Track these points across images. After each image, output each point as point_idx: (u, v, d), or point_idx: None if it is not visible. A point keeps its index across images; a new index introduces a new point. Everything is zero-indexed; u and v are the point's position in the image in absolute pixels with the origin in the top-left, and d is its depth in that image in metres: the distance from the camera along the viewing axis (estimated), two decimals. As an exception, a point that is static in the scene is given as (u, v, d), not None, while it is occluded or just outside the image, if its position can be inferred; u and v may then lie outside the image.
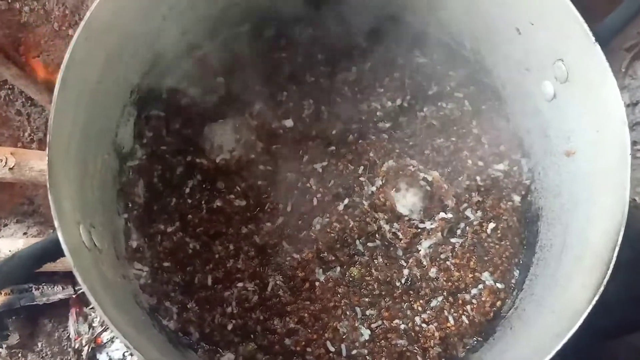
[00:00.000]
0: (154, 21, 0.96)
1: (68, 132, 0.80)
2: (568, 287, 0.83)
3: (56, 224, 0.71)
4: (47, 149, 0.73)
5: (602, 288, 0.73)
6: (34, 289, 1.27)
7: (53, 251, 0.73)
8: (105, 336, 1.27)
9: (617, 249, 0.74)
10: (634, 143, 1.54)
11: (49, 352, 1.28)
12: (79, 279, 0.69)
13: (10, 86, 1.38)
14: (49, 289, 1.28)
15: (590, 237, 0.83)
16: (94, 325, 1.29)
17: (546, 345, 0.74)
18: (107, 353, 1.27)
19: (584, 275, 0.79)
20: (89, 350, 1.26)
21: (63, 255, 0.72)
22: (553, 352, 0.71)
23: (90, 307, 1.30)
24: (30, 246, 0.74)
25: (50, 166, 0.73)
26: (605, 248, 0.76)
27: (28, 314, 1.28)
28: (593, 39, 0.82)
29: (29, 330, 1.28)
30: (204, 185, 1.08)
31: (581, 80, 0.87)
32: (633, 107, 1.53)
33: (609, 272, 0.73)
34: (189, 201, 1.06)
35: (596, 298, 0.72)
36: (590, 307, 0.72)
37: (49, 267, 1.25)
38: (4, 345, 1.27)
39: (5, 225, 1.39)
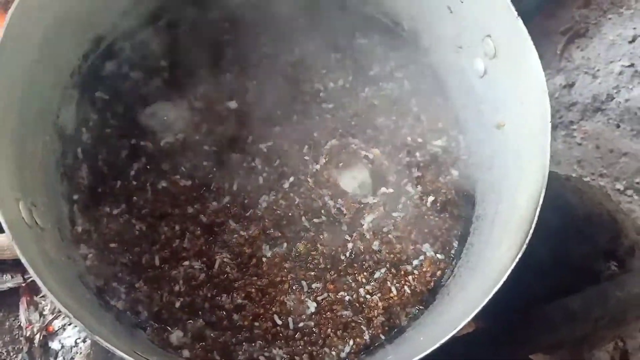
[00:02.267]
0: (92, 1, 0.96)
1: (3, 111, 0.80)
2: (497, 250, 0.88)
3: (-7, 198, 0.71)
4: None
5: (524, 246, 0.77)
6: (-19, 278, 1.26)
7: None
8: (57, 324, 1.27)
9: (538, 209, 0.79)
10: (570, 123, 1.61)
11: (0, 342, 1.26)
12: (17, 251, 0.70)
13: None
14: (-2, 277, 1.27)
15: (519, 202, 0.87)
16: (44, 313, 1.28)
17: (475, 303, 0.77)
18: (59, 340, 1.26)
19: (510, 238, 0.83)
20: (41, 338, 1.26)
21: (2, 230, 0.73)
22: (479, 307, 0.75)
23: (41, 295, 1.30)
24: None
25: (-16, 142, 0.73)
26: (528, 209, 0.81)
27: (-24, 303, 1.27)
28: (515, 13, 0.86)
29: (-22, 321, 1.27)
30: (149, 167, 1.08)
31: (507, 55, 0.92)
32: (569, 89, 1.60)
33: (531, 230, 0.78)
34: (134, 183, 1.07)
35: (519, 255, 0.77)
36: (514, 264, 0.76)
37: (-3, 255, 1.24)
38: (-48, 336, 1.25)
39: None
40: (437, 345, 0.74)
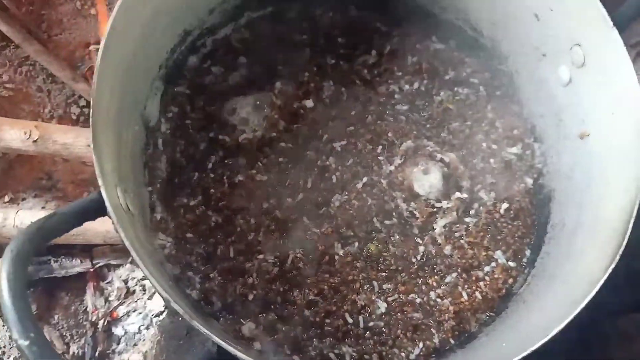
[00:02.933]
0: (186, -2, 0.99)
1: (107, 99, 0.83)
2: (581, 261, 0.87)
3: (100, 182, 0.74)
4: (91, 111, 0.76)
5: (617, 257, 0.77)
6: (52, 262, 1.29)
7: (94, 209, 0.76)
8: (122, 310, 1.30)
9: (632, 221, 0.78)
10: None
11: (65, 325, 1.30)
12: (121, 233, 0.72)
13: (32, 62, 1.40)
14: (68, 261, 1.30)
15: (604, 214, 0.86)
16: (110, 299, 1.31)
17: (562, 312, 0.77)
18: (122, 327, 1.29)
19: (598, 249, 0.82)
20: (105, 323, 1.29)
21: (102, 214, 0.75)
22: (570, 317, 0.74)
23: (107, 281, 1.33)
24: (70, 204, 0.76)
25: (94, 128, 0.75)
26: (620, 221, 0.80)
27: (46, 286, 1.30)
28: (611, 23, 0.86)
29: (46, 303, 1.30)
30: (226, 161, 1.10)
31: (598, 65, 0.91)
32: (637, 102, 1.56)
33: (625, 242, 0.77)
34: (212, 176, 1.09)
35: (612, 266, 0.76)
36: (606, 275, 0.76)
37: (69, 238, 1.28)
38: (21, 317, 1.29)
39: (24, 199, 1.41)
40: (525, 354, 0.73)
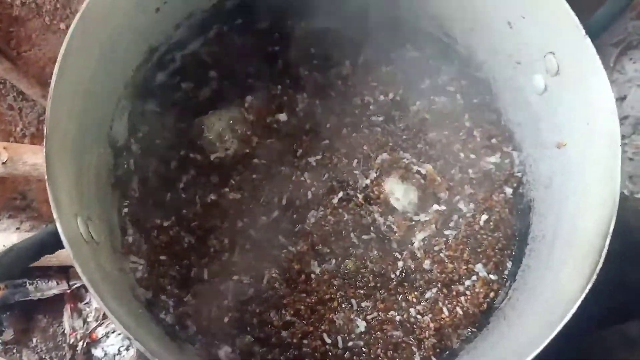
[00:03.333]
0: (148, 14, 0.96)
1: (65, 123, 0.80)
2: (560, 276, 0.84)
3: (55, 215, 0.71)
4: (44, 140, 0.73)
5: (594, 276, 0.74)
6: (28, 284, 1.27)
7: (51, 243, 0.73)
8: (100, 331, 1.27)
9: (609, 237, 0.76)
10: (621, 137, 1.56)
11: (44, 348, 1.27)
12: (78, 270, 0.69)
13: (2, 80, 1.37)
14: (44, 284, 1.27)
15: (582, 226, 0.84)
16: (88, 320, 1.28)
17: (539, 333, 0.75)
18: (102, 348, 1.27)
19: (576, 264, 0.80)
20: (84, 345, 1.26)
21: (61, 247, 0.72)
22: (547, 341, 0.72)
23: (85, 302, 1.30)
24: (27, 238, 0.74)
25: (48, 158, 0.73)
26: (597, 235, 0.77)
27: (22, 309, 1.28)
28: (584, 32, 0.83)
29: (24, 326, 1.28)
30: (198, 180, 1.08)
31: (572, 73, 0.89)
32: (621, 102, 1.55)
33: (601, 260, 0.75)
34: (184, 196, 1.07)
35: (589, 286, 0.74)
36: (583, 295, 0.73)
37: (43, 261, 1.24)
38: (-2, 341, 1.27)
39: (-2, 220, 1.38)
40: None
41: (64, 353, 1.26)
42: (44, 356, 1.27)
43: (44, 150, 0.72)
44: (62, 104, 0.79)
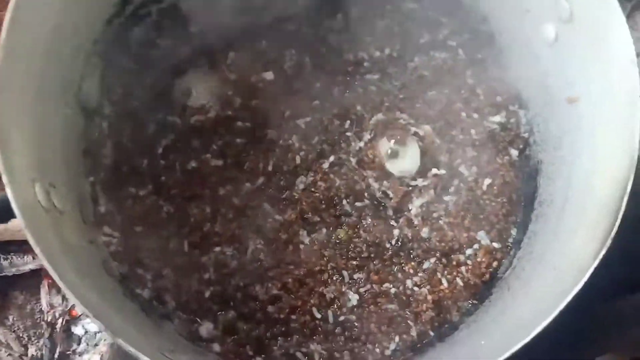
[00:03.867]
0: (116, -41, 0.87)
1: (21, 81, 0.72)
2: (571, 243, 0.77)
3: (5, 179, 0.63)
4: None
5: (609, 241, 0.67)
6: (2, 259, 1.20)
7: (4, 210, 0.66)
8: (81, 308, 1.21)
9: (625, 197, 0.69)
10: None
11: (21, 326, 1.21)
12: (30, 239, 0.62)
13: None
14: (19, 259, 1.20)
15: (596, 189, 0.77)
16: (67, 297, 1.22)
17: (549, 303, 0.68)
18: (82, 326, 1.20)
19: (588, 229, 0.73)
20: (63, 323, 1.20)
21: (14, 215, 0.65)
22: (557, 310, 0.65)
23: (64, 277, 1.23)
24: (-24, 206, 0.67)
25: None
26: (612, 197, 0.70)
27: (-4, 286, 1.22)
28: (600, -30, 0.74)
29: (-1, 303, 1.22)
30: (177, 145, 1.01)
31: (586, 18, 0.80)
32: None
33: (617, 222, 0.68)
34: (162, 162, 1.00)
35: (603, 251, 0.67)
36: (597, 262, 0.66)
37: (17, 235, 1.18)
38: (-27, 320, 1.20)
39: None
40: (507, 354, 0.64)
41: (42, 331, 1.20)
42: (21, 334, 1.21)
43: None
44: (18, 58, 0.71)
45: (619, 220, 0.68)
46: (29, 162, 0.72)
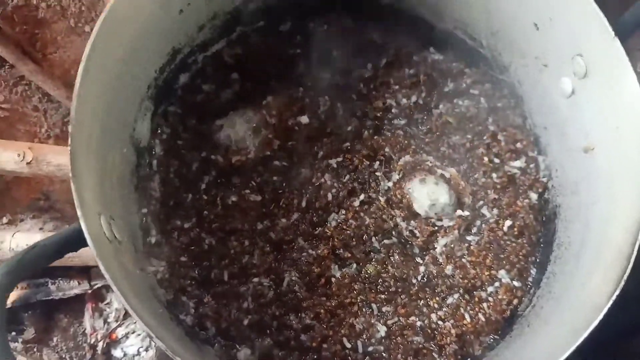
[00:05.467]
0: (172, 15, 0.96)
1: (89, 123, 0.81)
2: (587, 284, 0.82)
3: (79, 212, 0.71)
4: (69, 139, 0.74)
5: (622, 283, 0.72)
6: (50, 284, 1.28)
7: (75, 240, 0.74)
8: (120, 332, 1.28)
9: (637, 243, 0.74)
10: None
11: (64, 347, 1.28)
12: (101, 267, 0.69)
13: (28, 82, 1.39)
14: (65, 283, 1.28)
15: (610, 234, 0.82)
16: (109, 320, 1.29)
17: (565, 341, 0.73)
18: (122, 349, 1.27)
19: (604, 271, 0.78)
20: (104, 345, 1.27)
21: (85, 244, 0.73)
22: (572, 348, 0.70)
23: (106, 302, 1.31)
24: (51, 235, 0.74)
25: (73, 156, 0.73)
26: (626, 243, 0.76)
27: (44, 308, 1.29)
28: (613, 33, 0.81)
29: (45, 325, 1.29)
30: (219, 181, 1.08)
31: (600, 75, 0.87)
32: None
33: (630, 266, 0.73)
34: (205, 197, 1.06)
35: (617, 292, 0.72)
36: (611, 302, 0.72)
37: (65, 261, 1.25)
38: (20, 340, 1.27)
39: (22, 220, 1.39)
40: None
41: (84, 353, 1.27)
42: (64, 355, 1.28)
43: (69, 149, 0.73)
44: (86, 103, 0.80)
45: (631, 264, 0.73)
46: (95, 197, 0.80)
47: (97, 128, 0.84)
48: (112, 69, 0.87)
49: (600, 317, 0.71)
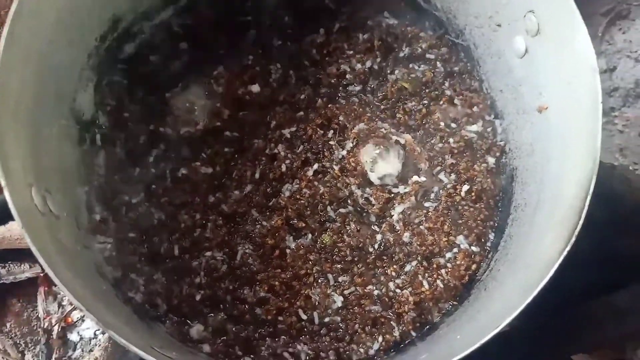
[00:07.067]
0: (109, -21, 0.92)
1: (16, 91, 0.76)
2: (541, 243, 0.81)
3: (3, 183, 0.67)
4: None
5: (573, 238, 0.71)
6: (0, 268, 1.23)
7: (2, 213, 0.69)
8: (76, 315, 1.24)
9: (588, 197, 0.72)
10: (611, 109, 1.52)
11: (18, 333, 1.23)
12: (27, 239, 0.66)
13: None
14: (16, 267, 1.23)
15: (564, 191, 0.81)
16: (63, 304, 1.25)
17: (518, 299, 0.71)
18: (78, 332, 1.23)
19: (556, 228, 0.77)
20: (59, 329, 1.23)
21: (12, 218, 0.69)
22: (523, 306, 0.69)
23: (59, 285, 1.26)
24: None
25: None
26: (577, 197, 0.74)
27: (-6, 293, 1.25)
28: (563, -13, 0.79)
29: (-4, 311, 1.24)
30: (168, 154, 1.04)
31: (552, 32, 0.85)
32: (610, 73, 1.50)
33: (581, 221, 0.71)
34: (153, 170, 1.03)
35: (567, 248, 0.70)
36: (561, 258, 0.70)
37: (15, 244, 1.21)
38: (-30, 327, 1.23)
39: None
40: (477, 345, 0.68)
41: (38, 337, 1.23)
42: (18, 341, 1.23)
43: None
44: (12, 70, 0.75)
45: (582, 219, 0.72)
46: (24, 167, 0.76)
47: (28, 96, 0.80)
48: (44, 34, 0.82)
49: (551, 273, 0.69)
